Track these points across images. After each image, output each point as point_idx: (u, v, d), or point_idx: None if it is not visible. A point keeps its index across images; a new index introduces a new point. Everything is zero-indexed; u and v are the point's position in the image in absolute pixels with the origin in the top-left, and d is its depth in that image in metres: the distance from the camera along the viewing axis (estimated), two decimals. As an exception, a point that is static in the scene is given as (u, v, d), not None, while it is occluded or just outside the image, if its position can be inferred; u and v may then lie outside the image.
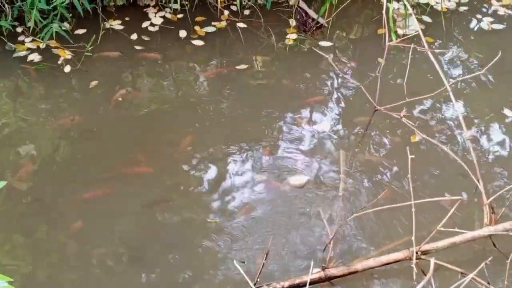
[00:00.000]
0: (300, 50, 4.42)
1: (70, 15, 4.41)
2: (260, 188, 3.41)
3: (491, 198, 3.02)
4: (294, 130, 3.77)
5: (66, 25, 4.39)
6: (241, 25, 4.61)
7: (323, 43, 4.47)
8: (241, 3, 4.59)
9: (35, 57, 4.20)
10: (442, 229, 2.81)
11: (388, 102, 3.49)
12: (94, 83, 4.05)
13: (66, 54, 4.24)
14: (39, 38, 4.29)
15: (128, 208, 3.26)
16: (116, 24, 4.54)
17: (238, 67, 4.25)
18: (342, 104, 4.00)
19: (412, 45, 3.36)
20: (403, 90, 3.39)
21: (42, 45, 4.28)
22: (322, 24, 4.55)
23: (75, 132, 3.72)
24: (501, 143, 3.68)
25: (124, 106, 3.91)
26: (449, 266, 2.80)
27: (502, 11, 4.90)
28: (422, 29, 4.09)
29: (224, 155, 3.58)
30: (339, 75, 4.17)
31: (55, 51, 4.25)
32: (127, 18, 4.59)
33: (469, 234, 2.93)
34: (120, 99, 3.97)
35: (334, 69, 4.12)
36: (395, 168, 3.51)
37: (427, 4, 4.84)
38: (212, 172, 3.49)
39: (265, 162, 3.55)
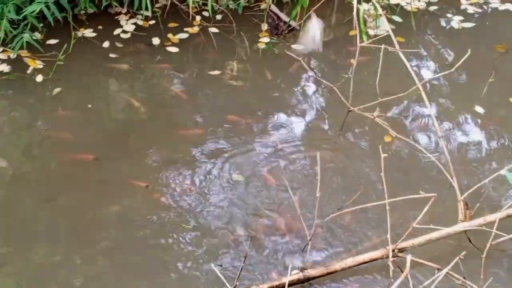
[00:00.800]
0: (273, 54, 4.43)
1: (41, 24, 4.37)
2: (238, 189, 3.43)
3: (465, 194, 3.05)
4: (268, 133, 3.79)
5: (37, 35, 4.35)
6: (213, 30, 4.61)
7: (296, 46, 4.49)
8: (212, 8, 4.59)
9: (4, 67, 4.15)
10: (418, 226, 2.84)
11: (362, 102, 3.52)
12: (58, 90, 4.02)
13: (37, 64, 4.20)
14: (9, 48, 4.25)
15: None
16: (88, 32, 4.51)
17: (212, 73, 4.25)
18: (316, 106, 4.02)
19: (383, 46, 3.39)
20: (377, 91, 3.42)
21: (12, 56, 4.23)
22: (294, 27, 4.57)
23: (48, 143, 3.69)
24: (474, 140, 3.73)
25: (98, 115, 3.90)
26: (425, 262, 2.83)
27: (471, 10, 4.97)
28: (393, 29, 4.12)
29: (199, 160, 3.59)
30: (312, 77, 4.19)
31: (27, 61, 4.21)
32: (99, 26, 4.57)
33: (444, 231, 2.96)
34: (89, 105, 3.95)
35: (307, 71, 4.14)
36: (370, 168, 3.53)
37: (397, 5, 4.89)
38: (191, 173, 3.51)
39: (242, 164, 3.57)
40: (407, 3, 4.93)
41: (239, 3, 4.64)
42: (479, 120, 3.86)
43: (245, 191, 3.41)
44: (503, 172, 2.95)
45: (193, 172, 3.50)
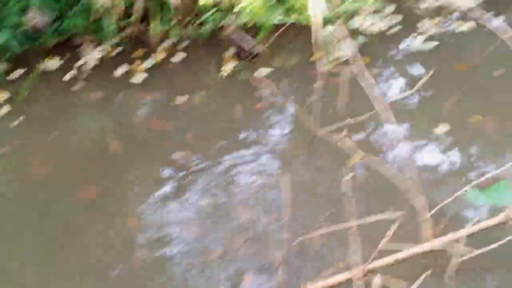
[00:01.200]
0: (238, 79, 4.45)
1: (6, 55, 4.34)
2: (203, 214, 3.42)
3: (431, 212, 3.09)
4: (238, 157, 3.79)
5: (1, 66, 4.32)
6: (180, 56, 4.62)
7: (261, 71, 4.51)
8: (179, 34, 4.60)
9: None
10: (386, 247, 2.85)
11: (329, 124, 3.55)
12: (22, 122, 3.99)
13: (1, 97, 4.17)
14: (-28, 82, 4.22)
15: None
16: (53, 62, 4.49)
17: (179, 99, 4.25)
18: (282, 131, 4.04)
19: (346, 68, 3.43)
20: (342, 113, 3.46)
21: (-25, 89, 4.21)
22: (259, 52, 4.60)
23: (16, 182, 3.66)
24: (439, 158, 3.78)
25: (64, 147, 3.88)
26: (393, 283, 2.85)
27: (432, 30, 5.05)
28: (357, 51, 4.18)
29: (170, 190, 3.60)
30: (278, 101, 4.21)
31: (-10, 94, 4.19)
32: (64, 56, 4.55)
33: (411, 250, 2.98)
34: (53, 135, 3.92)
35: (273, 95, 4.17)
36: (339, 189, 3.54)
37: (360, 27, 4.95)
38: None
39: (211, 189, 3.57)
40: (372, 24, 5.00)
41: (205, 29, 4.66)
42: (444, 138, 3.91)
43: (214, 217, 3.41)
44: (466, 189, 3.00)
45: (165, 201, 3.51)
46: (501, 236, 2.93)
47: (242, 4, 4.41)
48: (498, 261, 3.04)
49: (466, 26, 5.03)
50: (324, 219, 3.18)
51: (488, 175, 3.27)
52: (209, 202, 3.49)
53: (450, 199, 3.14)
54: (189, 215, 3.44)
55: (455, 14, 5.10)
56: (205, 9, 4.52)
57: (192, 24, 4.62)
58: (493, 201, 2.03)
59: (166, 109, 4.20)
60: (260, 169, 3.71)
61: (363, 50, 4.72)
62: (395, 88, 4.43)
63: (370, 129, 3.99)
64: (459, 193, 3.08)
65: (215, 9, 4.55)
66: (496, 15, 4.94)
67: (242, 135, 3.97)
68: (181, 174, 3.68)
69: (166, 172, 3.70)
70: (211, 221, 3.40)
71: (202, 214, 3.44)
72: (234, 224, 3.37)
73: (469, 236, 3.03)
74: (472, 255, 2.87)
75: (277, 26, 4.55)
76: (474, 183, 3.04)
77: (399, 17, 5.14)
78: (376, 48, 4.73)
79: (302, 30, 4.89)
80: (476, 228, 3.07)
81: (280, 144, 3.92)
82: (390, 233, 2.85)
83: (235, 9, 4.42)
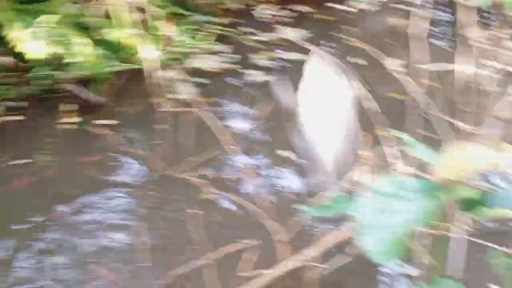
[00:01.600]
0: (80, 132, 4.33)
1: None
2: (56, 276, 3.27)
3: (285, 234, 3.18)
4: (85, 211, 3.68)
5: None
6: (16, 117, 4.42)
7: (106, 122, 4.42)
8: (15, 93, 4.41)
9: None
10: (248, 273, 2.89)
11: (176, 164, 3.55)
12: None
13: None
14: None
15: None
16: None
17: (18, 162, 4.05)
18: (130, 176, 3.97)
19: (190, 107, 3.47)
20: (190, 151, 3.47)
21: None
22: (100, 102, 4.53)
23: None
24: (289, 184, 3.90)
25: None
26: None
27: (269, 64, 5.25)
28: (198, 91, 4.25)
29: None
30: (122, 148, 4.16)
31: None
32: None
33: (270, 273, 3.04)
34: None
35: (117, 143, 4.13)
36: (192, 226, 3.54)
37: (201, 67, 5.04)
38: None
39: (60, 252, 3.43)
40: (211, 63, 5.08)
41: (39, 85, 4.49)
42: (289, 164, 4.06)
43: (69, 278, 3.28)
44: (304, 208, 3.17)
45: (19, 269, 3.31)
46: (354, 248, 3.10)
47: (74, 59, 4.32)
48: (353, 274, 3.18)
49: (300, 56, 5.30)
50: (182, 257, 3.15)
51: (328, 190, 3.46)
52: (62, 261, 3.34)
53: (297, 218, 3.27)
54: (44, 279, 3.26)
55: (289, 46, 5.38)
56: (34, 65, 4.37)
57: (23, 82, 4.46)
58: (333, 213, 2.12)
59: (6, 173, 3.98)
60: (112, 218, 3.62)
61: (204, 89, 4.80)
62: (239, 122, 4.54)
63: (219, 163, 4.05)
64: (302, 210, 3.21)
65: (48, 65, 4.42)
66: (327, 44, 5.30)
67: (88, 188, 3.86)
68: (29, 235, 3.50)
69: (13, 237, 3.50)
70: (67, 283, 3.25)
71: (55, 276, 3.28)
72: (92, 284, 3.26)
73: (324, 252, 3.16)
74: (328, 270, 2.99)
75: (118, 74, 4.51)
76: (313, 198, 3.19)
77: (237, 55, 5.30)
78: (217, 86, 4.82)
79: (144, 76, 4.90)
80: (328, 243, 3.20)
81: (131, 189, 3.85)
82: (246, 261, 2.88)
83: (66, 61, 4.31)
